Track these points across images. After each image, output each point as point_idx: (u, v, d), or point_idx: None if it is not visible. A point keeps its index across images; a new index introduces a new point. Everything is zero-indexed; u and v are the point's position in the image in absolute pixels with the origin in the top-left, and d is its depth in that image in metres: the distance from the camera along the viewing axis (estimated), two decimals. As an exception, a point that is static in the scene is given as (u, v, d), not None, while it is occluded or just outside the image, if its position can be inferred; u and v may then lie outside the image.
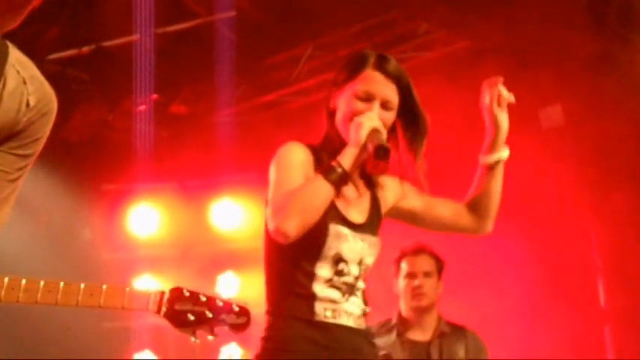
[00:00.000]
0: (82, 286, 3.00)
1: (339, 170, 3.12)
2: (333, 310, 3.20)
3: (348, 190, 3.32)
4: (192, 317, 3.15)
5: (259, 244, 8.23)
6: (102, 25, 7.37)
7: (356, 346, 3.24)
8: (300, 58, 8.05)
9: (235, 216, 8.65)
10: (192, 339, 3.19)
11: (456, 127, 7.15)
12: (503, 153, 3.48)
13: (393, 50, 7.76)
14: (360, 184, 3.40)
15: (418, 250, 5.49)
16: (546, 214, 7.28)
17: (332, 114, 3.33)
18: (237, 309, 3.22)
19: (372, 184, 3.43)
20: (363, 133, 3.14)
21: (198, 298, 3.16)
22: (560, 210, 7.29)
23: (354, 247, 3.24)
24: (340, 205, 3.26)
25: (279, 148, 3.27)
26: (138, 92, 7.71)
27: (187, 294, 3.16)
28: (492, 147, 3.47)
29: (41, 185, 8.07)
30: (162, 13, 7.22)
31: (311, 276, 3.18)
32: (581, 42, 6.92)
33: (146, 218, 8.76)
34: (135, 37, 7.37)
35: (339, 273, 3.20)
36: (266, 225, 3.23)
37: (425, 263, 5.46)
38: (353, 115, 3.22)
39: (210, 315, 3.17)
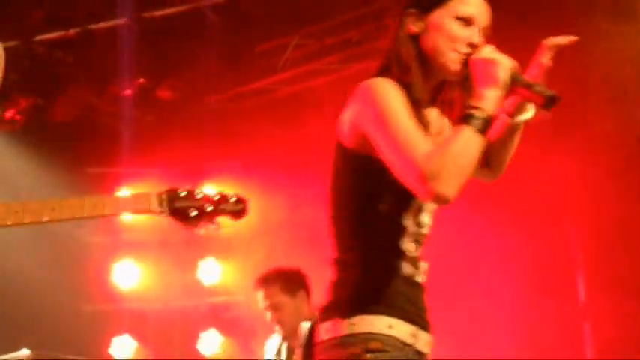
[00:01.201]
0: (85, 199, 3.11)
1: (485, 116, 2.70)
2: (414, 266, 2.93)
3: (430, 125, 2.95)
4: (194, 212, 3.26)
5: (241, 230, 8.27)
6: (89, 8, 7.35)
7: (426, 309, 2.98)
8: (287, 47, 8.05)
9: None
10: (200, 231, 3.32)
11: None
12: (531, 113, 3.05)
13: (380, 41, 7.78)
14: (437, 119, 3.02)
15: (264, 282, 5.43)
16: (527, 211, 7.31)
17: (413, 39, 2.90)
18: (233, 199, 3.29)
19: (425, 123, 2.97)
20: (505, 74, 2.74)
21: (195, 195, 3.27)
22: (540, 207, 7.32)
23: (430, 207, 2.95)
24: None
25: (366, 84, 2.84)
26: (124, 76, 7.70)
27: (183, 193, 3.26)
28: (521, 107, 3.05)
29: (25, 165, 8.06)
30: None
31: (399, 228, 2.89)
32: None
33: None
34: (122, 20, 7.36)
35: (419, 224, 2.94)
36: (352, 171, 2.90)
37: (271, 295, 5.38)
38: (456, 40, 2.85)
39: (210, 208, 3.26)
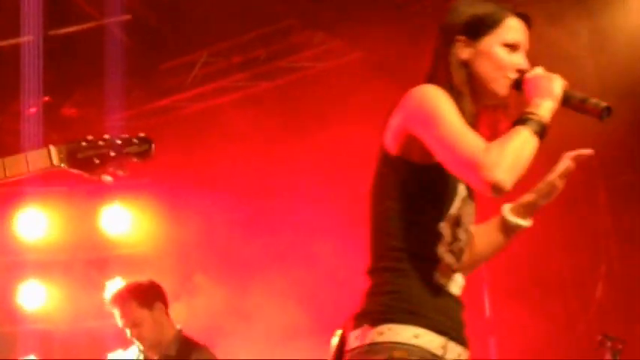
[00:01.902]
0: None
1: (542, 122, 2.78)
2: (449, 277, 2.95)
3: None
4: (97, 161, 3.15)
5: (149, 250, 8.17)
6: (-8, 24, 7.24)
7: (463, 324, 3.00)
8: (194, 64, 8.02)
9: (124, 221, 8.56)
10: (107, 178, 3.19)
11: (352, 135, 7.22)
12: (528, 223, 3.19)
13: (288, 59, 7.80)
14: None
15: (119, 299, 5.35)
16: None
17: (464, 65, 2.97)
18: (136, 140, 3.18)
19: None
20: (558, 88, 2.85)
21: (97, 143, 3.16)
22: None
23: (468, 211, 3.00)
24: None
25: (416, 89, 2.88)
26: (28, 94, 7.58)
27: (85, 143, 3.15)
28: (524, 210, 3.16)
29: None
30: (54, 15, 7.12)
31: (436, 235, 2.92)
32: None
33: (34, 222, 8.60)
34: (27, 38, 7.25)
35: (456, 237, 2.96)
36: (393, 178, 2.93)
37: (128, 312, 5.29)
38: (505, 67, 2.94)
39: (114, 153, 3.15)
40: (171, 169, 7.91)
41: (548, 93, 2.85)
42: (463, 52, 2.96)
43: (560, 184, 3.11)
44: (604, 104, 2.87)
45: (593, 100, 2.89)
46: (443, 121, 2.79)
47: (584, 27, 7.05)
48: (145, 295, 5.33)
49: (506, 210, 3.14)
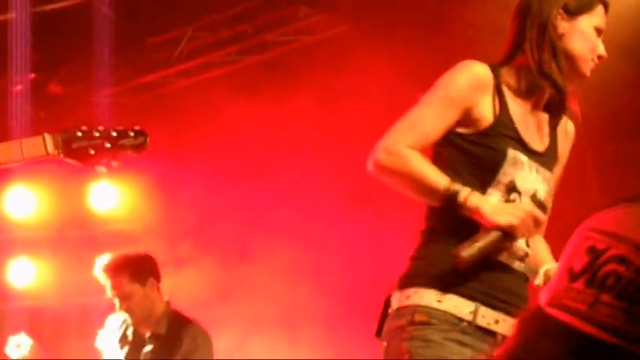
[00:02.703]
0: None
1: (457, 202, 2.87)
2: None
3: (532, 116, 3.12)
4: (92, 151, 3.18)
5: (136, 226, 8.16)
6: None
7: (507, 290, 3.01)
8: (180, 40, 8.00)
9: (113, 198, 8.56)
10: (101, 169, 3.24)
11: (336, 108, 7.23)
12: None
13: (275, 33, 7.79)
14: (544, 116, 3.16)
15: (112, 270, 5.31)
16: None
17: (557, 37, 3.05)
18: (132, 133, 3.23)
19: (554, 122, 3.18)
20: (496, 237, 2.88)
21: (92, 134, 3.19)
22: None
23: (528, 178, 3.03)
24: (521, 128, 3.06)
25: (459, 65, 3.03)
26: (14, 71, 7.56)
27: (80, 133, 3.19)
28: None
29: None
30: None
31: None
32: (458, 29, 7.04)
33: (22, 200, 8.60)
34: (11, 15, 7.22)
35: (510, 201, 2.98)
36: (444, 146, 3.03)
37: (119, 285, 5.27)
38: (594, 49, 3.06)
39: (109, 145, 3.19)
40: (158, 145, 7.88)
41: (501, 212, 2.87)
42: (561, 25, 3.06)
43: None
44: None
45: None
46: (425, 101, 2.98)
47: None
48: (139, 269, 5.33)
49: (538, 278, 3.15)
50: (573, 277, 1.22)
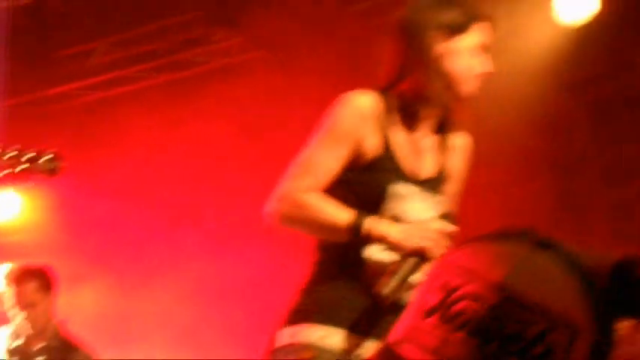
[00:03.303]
0: None
1: (362, 233, 2.83)
2: (377, 276, 2.89)
3: (421, 140, 3.06)
4: (6, 171, 3.20)
5: (38, 238, 8.00)
6: None
7: (389, 321, 2.89)
8: (94, 52, 7.92)
9: (15, 208, 8.41)
10: (14, 189, 3.24)
11: (250, 131, 7.21)
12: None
13: (188, 53, 7.76)
14: (432, 136, 3.09)
15: (18, 279, 5.25)
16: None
17: (437, 59, 2.98)
18: (47, 156, 3.25)
19: (444, 141, 3.12)
20: (408, 267, 2.84)
21: (7, 153, 3.22)
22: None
23: (416, 208, 2.98)
24: (406, 158, 3.00)
25: (342, 97, 2.95)
26: None
27: None
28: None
29: None
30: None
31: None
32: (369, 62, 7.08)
33: None
34: None
35: None
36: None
37: (25, 293, 5.20)
38: (475, 67, 3.00)
39: (23, 166, 3.21)
40: (67, 157, 7.79)
41: (407, 238, 2.83)
42: (439, 47, 2.98)
43: None
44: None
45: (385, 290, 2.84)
46: (315, 141, 2.92)
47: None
48: (44, 279, 5.29)
49: None
50: (427, 313, 1.21)
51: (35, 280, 5.24)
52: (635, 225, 7.26)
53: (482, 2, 6.59)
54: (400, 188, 2.97)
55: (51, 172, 3.23)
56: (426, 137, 3.07)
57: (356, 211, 2.86)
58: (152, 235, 7.69)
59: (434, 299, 1.21)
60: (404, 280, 2.83)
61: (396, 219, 2.93)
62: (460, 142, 3.19)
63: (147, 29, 7.65)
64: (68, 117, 8.06)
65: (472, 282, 1.20)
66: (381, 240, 2.85)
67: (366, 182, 2.95)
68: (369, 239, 2.85)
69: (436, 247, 2.84)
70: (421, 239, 2.84)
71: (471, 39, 3.01)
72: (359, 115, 2.93)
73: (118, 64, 7.90)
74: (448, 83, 2.98)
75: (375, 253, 2.93)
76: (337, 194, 2.94)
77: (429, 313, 1.21)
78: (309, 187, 2.88)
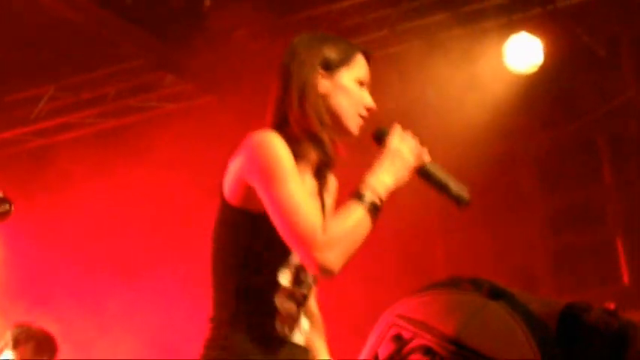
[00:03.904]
0: None
1: (376, 204, 2.76)
2: (290, 325, 2.87)
3: (309, 181, 2.96)
4: None
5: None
6: None
7: None
8: (41, 98, 7.86)
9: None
10: None
11: (201, 178, 7.18)
12: None
13: (138, 98, 7.73)
14: (313, 178, 3.01)
15: (18, 340, 5.17)
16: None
17: (319, 97, 2.90)
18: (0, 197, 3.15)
19: (322, 183, 3.04)
20: (411, 162, 2.83)
21: None
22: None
23: None
24: None
25: (258, 138, 2.79)
26: None
27: None
28: None
29: None
30: None
31: (273, 285, 2.83)
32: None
33: None
34: None
35: (298, 282, 2.87)
36: (231, 225, 2.86)
37: (22, 354, 5.12)
38: (359, 103, 2.91)
39: None
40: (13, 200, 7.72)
41: (400, 169, 2.82)
42: (322, 84, 2.92)
43: None
44: (464, 199, 2.85)
45: (454, 190, 2.86)
46: (282, 184, 2.73)
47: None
48: (45, 344, 5.20)
49: None
50: None
51: (34, 341, 5.16)
52: (580, 272, 7.32)
53: (437, 54, 6.77)
54: None
55: (3, 215, 3.12)
56: (311, 179, 2.99)
57: (353, 196, 2.78)
58: (95, 284, 7.63)
59: (387, 350, 1.18)
60: (446, 177, 2.86)
61: (301, 265, 2.85)
62: (333, 184, 3.13)
63: (96, 75, 7.61)
64: (14, 162, 7.98)
65: (424, 334, 1.17)
66: (392, 190, 2.81)
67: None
68: (383, 199, 2.78)
69: (415, 149, 2.86)
70: (408, 158, 2.84)
71: (353, 72, 2.96)
72: (287, 153, 2.79)
73: (66, 110, 7.85)
74: (334, 120, 2.92)
75: (284, 302, 2.87)
76: (245, 236, 2.84)
77: None
78: (320, 221, 2.73)
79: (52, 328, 7.63)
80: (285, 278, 2.86)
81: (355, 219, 2.72)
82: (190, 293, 7.22)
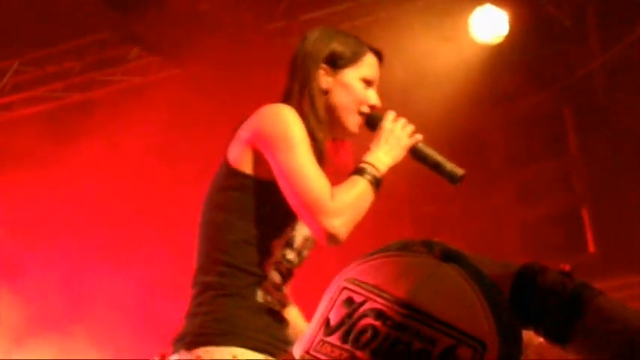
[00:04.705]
0: None
1: (377, 177, 2.87)
2: (275, 295, 2.89)
3: None
4: None
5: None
6: None
7: (287, 341, 2.89)
8: (5, 72, 7.80)
9: None
10: None
11: (165, 151, 7.16)
12: None
13: (103, 72, 7.68)
14: None
15: None
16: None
17: (324, 93, 2.97)
18: None
19: None
20: (405, 143, 2.93)
21: None
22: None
23: (302, 233, 2.93)
24: None
25: (272, 107, 2.87)
26: None
27: None
28: None
29: None
30: None
31: (265, 254, 2.85)
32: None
33: None
34: None
35: (285, 258, 2.89)
36: (231, 189, 2.87)
37: None
38: (361, 101, 2.98)
39: None
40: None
41: (395, 147, 2.91)
42: (324, 80, 2.97)
43: None
44: (459, 174, 2.96)
45: (448, 168, 2.96)
46: (293, 151, 2.78)
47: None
48: None
49: None
50: (329, 330, 1.16)
51: None
52: (547, 241, 7.36)
53: (402, 27, 6.76)
54: None
55: None
56: None
57: (354, 172, 2.88)
58: (63, 259, 7.61)
59: (338, 315, 1.17)
60: (439, 156, 2.96)
61: (291, 240, 2.90)
62: None
63: (60, 48, 7.56)
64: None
65: (375, 298, 1.16)
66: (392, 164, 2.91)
67: (282, 196, 2.85)
68: (382, 175, 2.88)
69: (409, 129, 2.96)
70: (402, 138, 2.93)
71: (360, 72, 3.02)
72: (301, 124, 2.86)
73: (30, 84, 7.79)
74: (332, 116, 2.98)
75: (271, 272, 2.89)
76: (243, 203, 2.86)
77: (332, 330, 1.17)
78: (329, 188, 2.80)
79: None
80: (276, 250, 2.88)
81: (359, 190, 2.81)
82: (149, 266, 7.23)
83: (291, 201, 2.78)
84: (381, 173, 2.87)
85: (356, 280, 1.18)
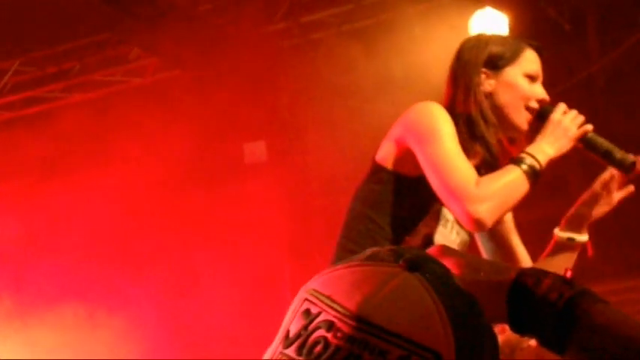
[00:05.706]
0: None
1: (536, 168, 2.87)
2: None
3: None
4: None
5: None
6: None
7: None
8: (6, 72, 7.80)
9: None
10: None
11: (164, 152, 7.15)
12: (583, 237, 3.23)
13: (102, 72, 7.68)
14: None
15: None
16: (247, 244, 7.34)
17: (488, 97, 3.00)
18: None
19: None
20: (574, 133, 2.94)
21: None
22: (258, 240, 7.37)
23: (447, 236, 2.99)
24: None
25: (422, 105, 2.96)
26: None
27: None
28: (574, 224, 3.22)
29: None
30: None
31: (394, 244, 2.88)
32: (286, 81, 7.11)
33: None
34: None
35: None
36: (380, 186, 2.95)
37: None
38: (528, 97, 3.00)
39: None
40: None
41: (560, 138, 2.92)
42: (487, 84, 3.01)
43: (602, 192, 3.18)
44: (630, 160, 2.97)
45: (618, 155, 2.98)
46: (440, 142, 2.86)
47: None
48: None
49: (557, 230, 3.21)
50: (288, 342, 1.15)
51: None
52: (544, 244, 7.34)
53: (403, 29, 6.76)
54: (444, 210, 3.00)
55: None
56: None
57: (511, 161, 2.89)
58: (66, 264, 7.61)
59: (296, 327, 1.16)
60: (609, 145, 2.98)
61: (428, 238, 2.96)
62: None
63: (60, 49, 7.56)
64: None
65: (329, 310, 1.14)
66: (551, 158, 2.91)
67: (416, 193, 2.95)
68: (543, 167, 2.89)
69: (575, 118, 2.96)
70: (570, 128, 2.94)
71: (522, 68, 3.04)
72: (450, 120, 2.92)
73: (30, 84, 7.79)
74: (500, 117, 3.01)
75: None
76: (382, 196, 2.95)
77: (291, 341, 1.15)
78: (474, 176, 2.84)
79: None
80: (405, 244, 2.93)
81: (510, 178, 2.83)
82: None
83: (438, 190, 2.85)
84: (541, 164, 2.88)
85: (315, 291, 1.17)
